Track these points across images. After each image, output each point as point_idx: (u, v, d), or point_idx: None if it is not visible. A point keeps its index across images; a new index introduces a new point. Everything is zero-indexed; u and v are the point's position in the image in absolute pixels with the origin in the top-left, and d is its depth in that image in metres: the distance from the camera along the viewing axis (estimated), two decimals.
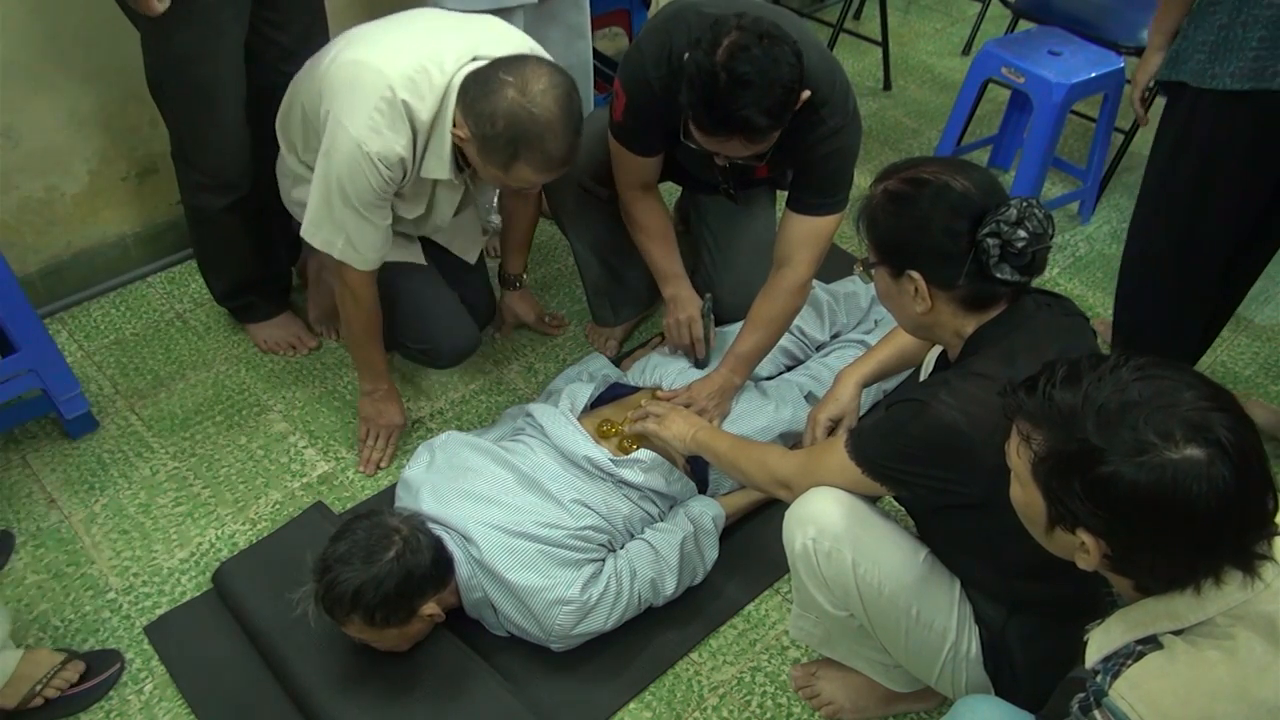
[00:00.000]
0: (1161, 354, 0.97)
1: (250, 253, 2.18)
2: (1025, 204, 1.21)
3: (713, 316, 2.06)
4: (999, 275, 1.22)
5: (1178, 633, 0.95)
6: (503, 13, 2.21)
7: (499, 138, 1.59)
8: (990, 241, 1.20)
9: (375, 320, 1.90)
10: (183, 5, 1.73)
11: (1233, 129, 1.68)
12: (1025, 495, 1.01)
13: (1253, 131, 1.66)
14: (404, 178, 1.73)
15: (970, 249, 1.22)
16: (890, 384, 1.94)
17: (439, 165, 1.72)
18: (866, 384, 1.73)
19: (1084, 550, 0.96)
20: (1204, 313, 2.00)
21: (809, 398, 2.00)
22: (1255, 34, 1.59)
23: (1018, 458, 1.00)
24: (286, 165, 1.95)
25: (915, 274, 1.26)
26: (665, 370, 2.02)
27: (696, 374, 2.00)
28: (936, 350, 1.47)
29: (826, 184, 1.81)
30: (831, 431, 1.72)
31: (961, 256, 1.23)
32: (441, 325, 2.03)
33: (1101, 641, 1.00)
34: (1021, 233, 1.19)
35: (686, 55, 1.56)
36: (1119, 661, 0.96)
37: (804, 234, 1.84)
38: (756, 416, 1.92)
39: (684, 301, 2.05)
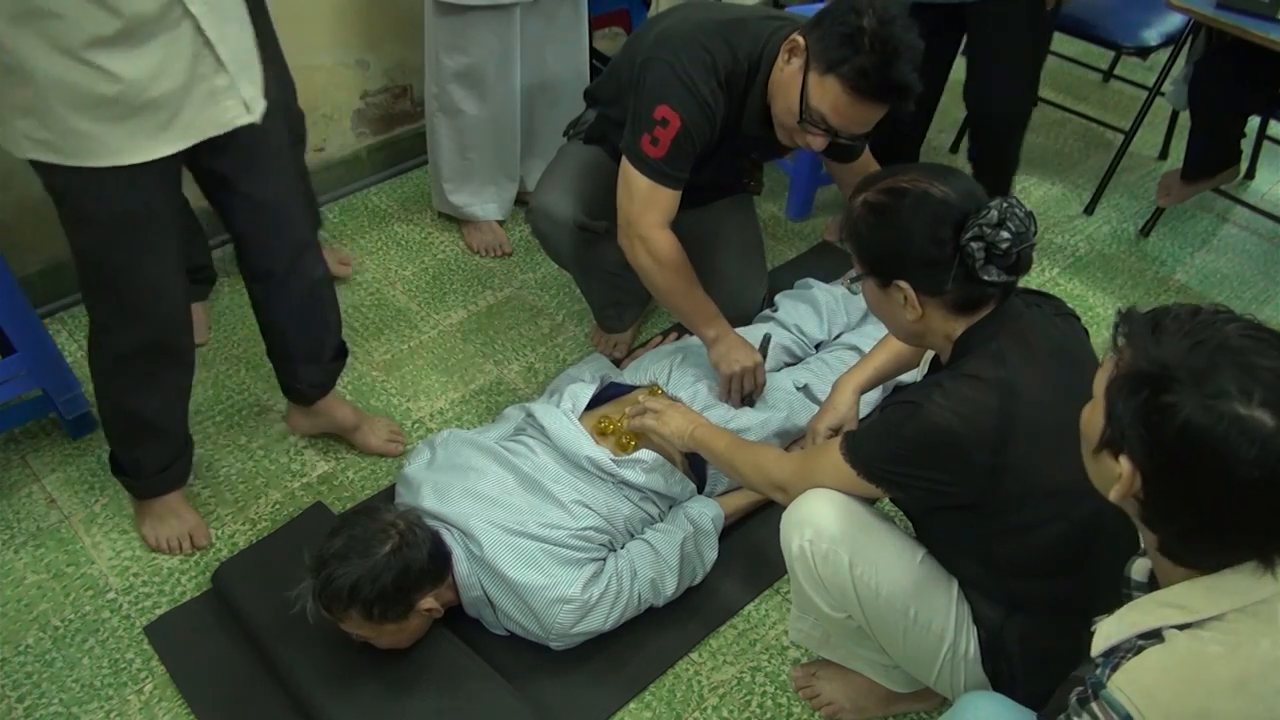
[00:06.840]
0: None
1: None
2: (1006, 205, 1.22)
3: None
4: (986, 277, 1.22)
5: (1183, 628, 0.94)
6: (500, 11, 2.22)
7: None
8: (974, 245, 1.21)
9: None
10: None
11: None
12: (1091, 412, 0.98)
13: None
14: None
15: (955, 254, 1.23)
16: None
17: None
18: (864, 390, 1.72)
19: (1119, 480, 0.93)
20: None
21: (805, 390, 2.00)
22: None
23: (1102, 373, 0.97)
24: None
25: (903, 284, 1.27)
26: (661, 366, 2.02)
27: (693, 369, 2.00)
28: (931, 353, 1.47)
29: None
30: None
31: (947, 263, 1.23)
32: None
33: (1109, 630, 0.99)
34: (1005, 234, 1.20)
35: (846, 23, 1.57)
36: (1120, 655, 0.96)
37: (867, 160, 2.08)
38: (754, 413, 1.92)
39: (735, 347, 1.91)
